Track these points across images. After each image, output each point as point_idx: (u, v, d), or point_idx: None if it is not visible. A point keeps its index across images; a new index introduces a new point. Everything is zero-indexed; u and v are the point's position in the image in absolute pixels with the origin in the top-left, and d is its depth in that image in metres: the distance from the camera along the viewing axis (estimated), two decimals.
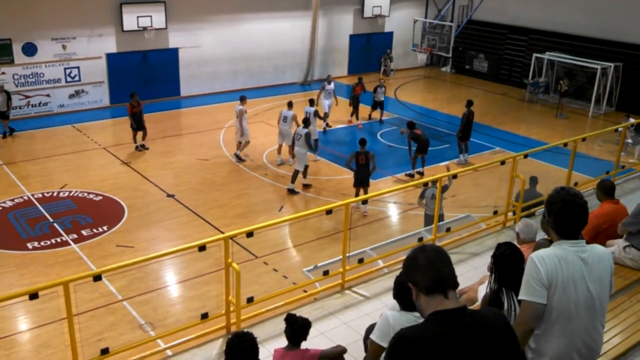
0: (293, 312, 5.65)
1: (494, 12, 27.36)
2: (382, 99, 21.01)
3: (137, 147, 17.82)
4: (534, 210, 10.21)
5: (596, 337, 3.78)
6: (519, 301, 3.75)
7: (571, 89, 23.37)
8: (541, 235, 5.87)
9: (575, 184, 11.21)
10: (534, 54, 25.12)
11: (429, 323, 2.65)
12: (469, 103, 17.46)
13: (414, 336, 2.60)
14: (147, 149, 17.90)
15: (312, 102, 17.84)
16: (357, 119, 20.79)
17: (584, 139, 11.00)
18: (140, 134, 17.74)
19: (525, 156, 10.01)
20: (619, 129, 13.81)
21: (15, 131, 18.93)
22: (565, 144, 11.19)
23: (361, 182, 13.95)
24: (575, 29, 24.46)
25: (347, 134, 20.31)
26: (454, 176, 9.81)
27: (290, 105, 17.14)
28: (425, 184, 12.15)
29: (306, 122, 15.36)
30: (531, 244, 5.89)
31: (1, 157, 16.96)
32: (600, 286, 3.67)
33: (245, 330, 4.87)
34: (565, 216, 3.62)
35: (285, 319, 5.28)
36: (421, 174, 16.25)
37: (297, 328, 5.18)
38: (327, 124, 20.09)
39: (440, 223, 11.53)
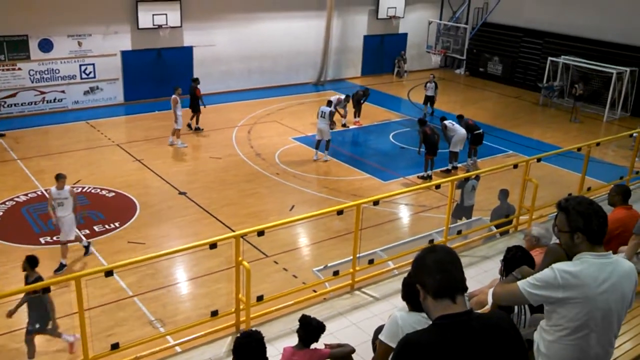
0: (303, 311, 5.65)
1: (509, 15, 27.22)
2: (432, 94, 21.95)
3: (196, 128, 19.65)
4: (508, 228, 9.99)
5: (608, 348, 3.74)
6: (530, 305, 3.72)
7: (586, 93, 23.18)
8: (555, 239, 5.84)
9: (589, 189, 11.14)
10: (549, 58, 24.94)
11: (435, 327, 2.65)
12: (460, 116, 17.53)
13: (420, 341, 2.61)
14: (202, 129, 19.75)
15: (329, 103, 17.95)
16: (358, 116, 20.90)
17: (598, 144, 10.94)
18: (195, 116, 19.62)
19: (539, 160, 9.98)
20: (634, 134, 13.69)
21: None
22: (579, 149, 11.13)
23: None
24: (591, 32, 24.27)
25: (357, 135, 20.29)
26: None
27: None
28: (467, 178, 12.34)
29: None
30: (543, 248, 5.85)
31: (16, 152, 17.12)
32: (621, 302, 3.60)
33: (254, 329, 4.88)
34: (591, 224, 3.49)
35: (300, 320, 5.28)
36: (430, 177, 16.13)
37: (311, 330, 5.19)
38: (344, 124, 20.30)
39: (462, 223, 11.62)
